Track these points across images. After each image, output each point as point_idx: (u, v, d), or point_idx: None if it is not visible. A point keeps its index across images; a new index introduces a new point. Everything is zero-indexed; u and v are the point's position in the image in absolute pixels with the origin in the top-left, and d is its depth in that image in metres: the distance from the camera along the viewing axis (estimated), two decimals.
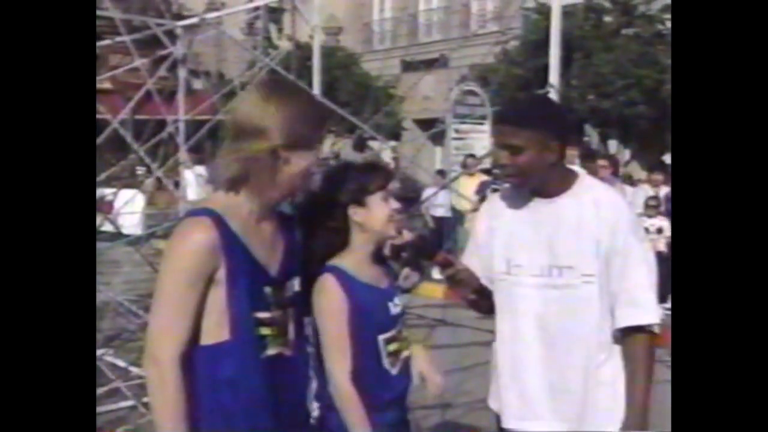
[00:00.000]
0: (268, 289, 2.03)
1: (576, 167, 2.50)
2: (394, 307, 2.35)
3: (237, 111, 2.07)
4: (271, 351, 2.02)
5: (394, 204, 2.34)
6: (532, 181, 2.40)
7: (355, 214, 2.31)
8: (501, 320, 2.48)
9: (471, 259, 2.55)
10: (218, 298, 1.95)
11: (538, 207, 2.43)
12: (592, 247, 2.33)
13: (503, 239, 2.46)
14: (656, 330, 2.36)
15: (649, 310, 2.35)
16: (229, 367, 1.96)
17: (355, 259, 2.32)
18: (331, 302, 2.24)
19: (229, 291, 1.96)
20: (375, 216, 2.31)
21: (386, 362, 2.30)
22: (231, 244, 1.96)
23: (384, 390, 2.30)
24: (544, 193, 2.42)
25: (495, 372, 2.54)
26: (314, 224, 2.32)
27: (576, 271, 2.34)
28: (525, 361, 2.42)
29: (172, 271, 1.95)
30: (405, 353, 2.36)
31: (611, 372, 2.37)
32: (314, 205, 2.32)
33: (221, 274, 1.95)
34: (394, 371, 2.32)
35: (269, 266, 2.05)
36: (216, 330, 1.96)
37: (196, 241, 1.94)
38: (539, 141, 2.33)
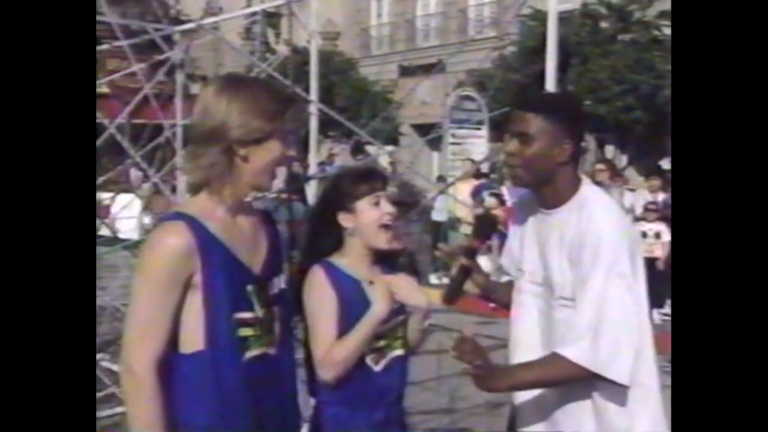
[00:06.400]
0: (250, 288, 1.99)
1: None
2: None
3: (193, 112, 2.01)
4: (254, 352, 1.99)
5: (387, 208, 2.31)
6: (535, 179, 2.26)
7: (344, 219, 2.32)
8: (512, 319, 2.42)
9: (503, 257, 2.55)
10: (195, 302, 1.92)
11: (540, 218, 2.33)
12: (569, 271, 2.18)
13: (515, 242, 2.45)
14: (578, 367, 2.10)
15: (578, 347, 2.10)
16: (207, 376, 1.93)
17: (349, 259, 2.32)
18: (317, 293, 2.25)
19: (206, 295, 1.92)
20: (362, 222, 2.30)
21: (368, 358, 2.28)
22: (209, 246, 1.93)
23: (366, 386, 2.27)
24: (545, 200, 2.29)
25: None
26: (312, 228, 2.38)
27: (556, 292, 2.22)
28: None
29: (146, 277, 1.91)
30: (395, 352, 2.34)
31: (594, 404, 2.20)
32: (313, 209, 2.36)
33: (198, 278, 1.92)
34: (376, 368, 2.29)
35: (252, 265, 2.02)
36: (194, 338, 1.93)
37: (169, 245, 1.90)
38: (552, 134, 2.21)
